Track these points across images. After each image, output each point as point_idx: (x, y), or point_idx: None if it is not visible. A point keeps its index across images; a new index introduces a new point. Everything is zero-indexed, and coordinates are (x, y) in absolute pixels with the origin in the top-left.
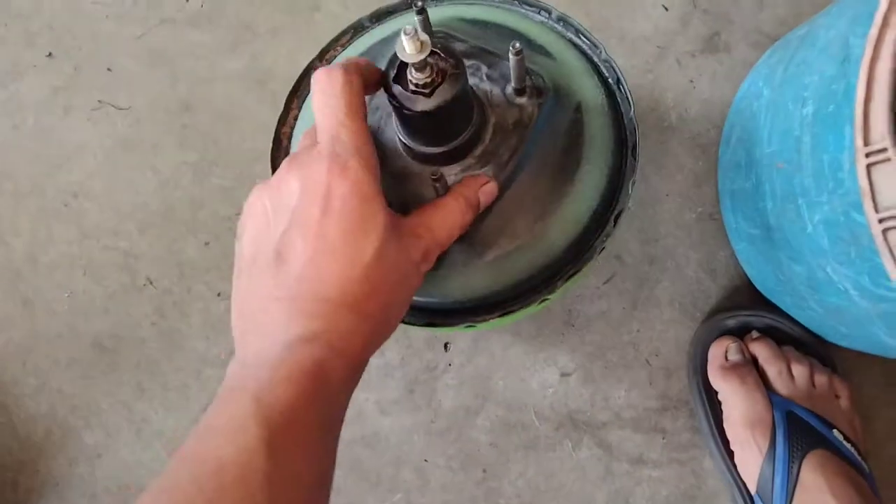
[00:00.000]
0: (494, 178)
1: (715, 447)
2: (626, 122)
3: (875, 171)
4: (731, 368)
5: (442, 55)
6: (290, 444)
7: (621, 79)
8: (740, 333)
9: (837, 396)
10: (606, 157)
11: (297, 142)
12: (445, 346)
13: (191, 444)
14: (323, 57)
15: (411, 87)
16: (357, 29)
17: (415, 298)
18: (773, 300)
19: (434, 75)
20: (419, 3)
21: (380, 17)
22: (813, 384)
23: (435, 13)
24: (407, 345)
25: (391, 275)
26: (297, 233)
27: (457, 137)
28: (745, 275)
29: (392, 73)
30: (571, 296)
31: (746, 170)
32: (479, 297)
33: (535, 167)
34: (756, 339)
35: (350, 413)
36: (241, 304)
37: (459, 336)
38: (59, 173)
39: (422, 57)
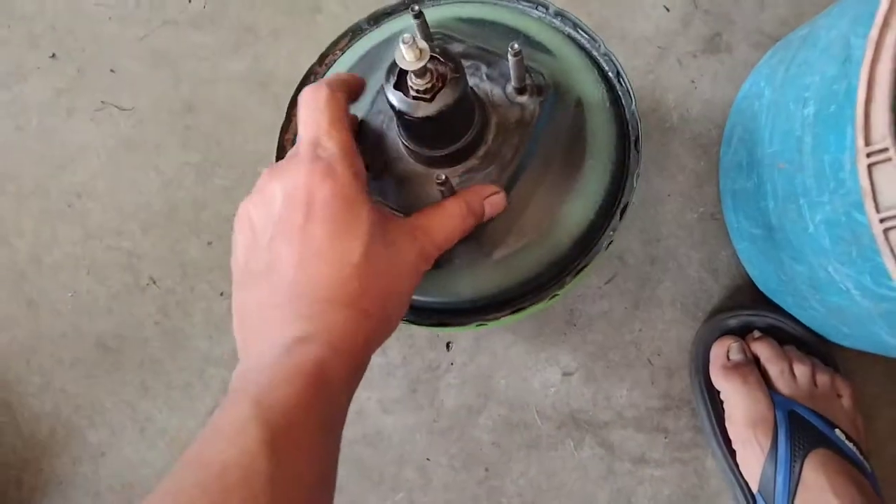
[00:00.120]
0: (502, 188)
1: (717, 446)
2: (627, 115)
3: (876, 171)
4: (732, 368)
5: (441, 59)
6: (291, 445)
7: (621, 72)
8: (742, 333)
9: (839, 396)
10: (609, 151)
11: None
12: (447, 345)
13: (195, 448)
14: (323, 61)
15: (412, 93)
16: (355, 32)
17: (425, 299)
18: (775, 300)
19: (434, 80)
20: (416, 8)
21: (378, 18)
22: (815, 384)
23: (432, 13)
24: (409, 344)
25: (383, 273)
26: (282, 240)
27: (460, 139)
28: (747, 274)
29: (392, 80)
30: (573, 295)
31: (748, 170)
32: (489, 295)
33: (538, 165)
34: (758, 338)
35: (352, 412)
36: (241, 314)
37: (461, 335)
38: (63, 174)
39: (421, 64)
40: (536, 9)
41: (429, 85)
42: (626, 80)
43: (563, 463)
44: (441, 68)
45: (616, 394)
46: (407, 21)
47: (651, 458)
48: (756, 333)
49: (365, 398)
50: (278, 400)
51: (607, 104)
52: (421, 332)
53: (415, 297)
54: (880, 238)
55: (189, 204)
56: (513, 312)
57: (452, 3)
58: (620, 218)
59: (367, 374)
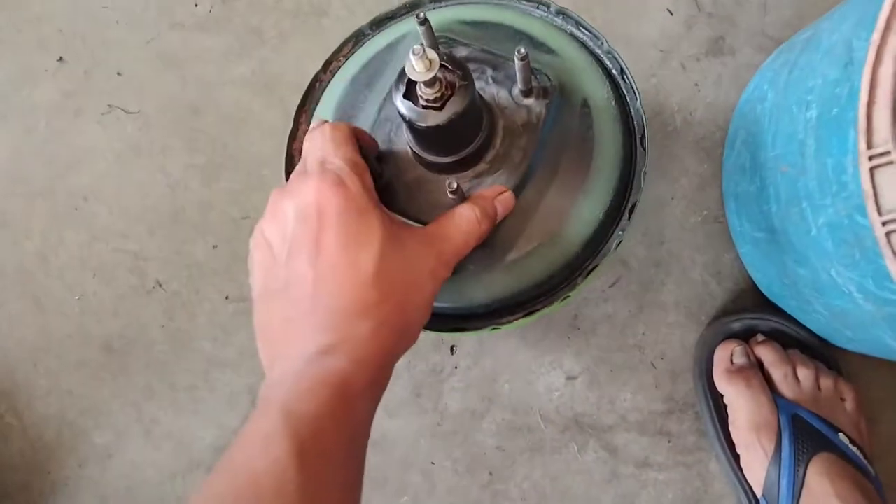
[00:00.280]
0: (509, 187)
1: (721, 450)
2: (632, 112)
3: (878, 174)
4: (736, 372)
5: (450, 67)
6: (318, 455)
7: (625, 69)
8: (745, 337)
9: (843, 400)
10: (616, 149)
11: None
12: (452, 349)
13: (227, 457)
14: (327, 68)
15: (422, 102)
16: (358, 37)
17: (440, 305)
18: (778, 303)
19: (444, 89)
20: (422, 15)
21: (380, 23)
22: (818, 387)
23: (434, 16)
24: (413, 348)
25: (401, 282)
26: (298, 255)
27: (469, 145)
28: (751, 278)
29: (401, 90)
30: (577, 299)
31: (751, 173)
32: (503, 298)
33: (547, 167)
34: (761, 342)
35: None
36: (264, 331)
37: (465, 339)
38: (70, 176)
39: (431, 75)
40: (538, 8)
41: (438, 94)
42: (629, 77)
43: (567, 466)
44: (450, 76)
45: (620, 397)
46: (409, 25)
47: (655, 462)
48: (759, 337)
49: None
50: (304, 411)
51: (612, 102)
52: (425, 336)
53: None
54: (882, 241)
55: (195, 206)
56: (526, 315)
57: (454, 6)
58: (629, 217)
59: None
